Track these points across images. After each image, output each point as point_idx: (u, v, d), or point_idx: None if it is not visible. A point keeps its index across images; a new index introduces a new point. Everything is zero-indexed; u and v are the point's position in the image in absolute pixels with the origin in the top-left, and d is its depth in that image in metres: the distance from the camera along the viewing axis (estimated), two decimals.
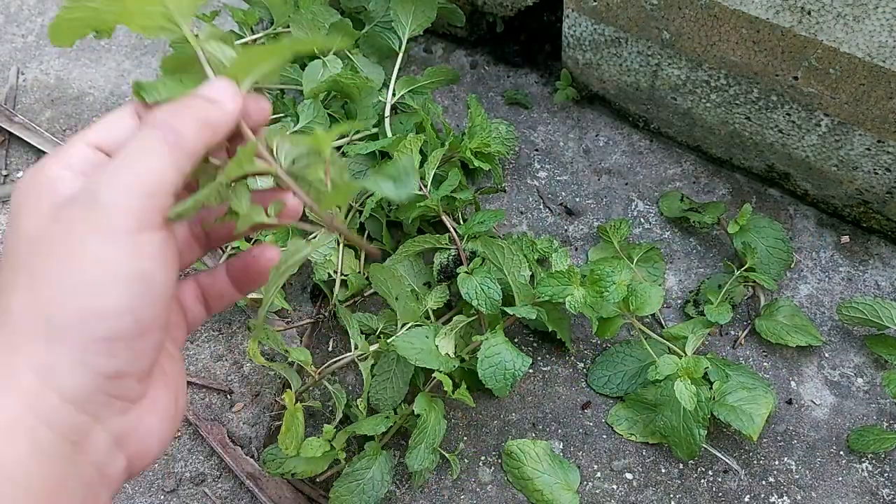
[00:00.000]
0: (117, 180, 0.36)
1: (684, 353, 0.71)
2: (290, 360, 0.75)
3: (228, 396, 0.78)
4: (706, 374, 0.70)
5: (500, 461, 0.73)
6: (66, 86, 0.98)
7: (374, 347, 0.72)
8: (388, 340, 0.71)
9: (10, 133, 0.93)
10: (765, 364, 0.77)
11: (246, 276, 0.44)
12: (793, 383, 0.76)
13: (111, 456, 0.37)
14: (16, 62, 1.00)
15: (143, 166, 0.36)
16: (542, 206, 0.88)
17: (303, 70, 0.82)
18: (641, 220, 0.86)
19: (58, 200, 0.38)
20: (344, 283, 0.79)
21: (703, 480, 0.71)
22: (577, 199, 0.88)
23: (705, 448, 0.72)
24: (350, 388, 0.78)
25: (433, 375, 0.69)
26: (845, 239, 0.84)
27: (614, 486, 0.72)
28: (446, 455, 0.71)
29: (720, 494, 0.71)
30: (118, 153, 0.37)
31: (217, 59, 0.42)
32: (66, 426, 0.35)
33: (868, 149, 0.74)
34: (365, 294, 0.82)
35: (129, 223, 0.36)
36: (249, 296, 0.77)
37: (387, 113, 0.81)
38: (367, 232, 0.82)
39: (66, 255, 0.36)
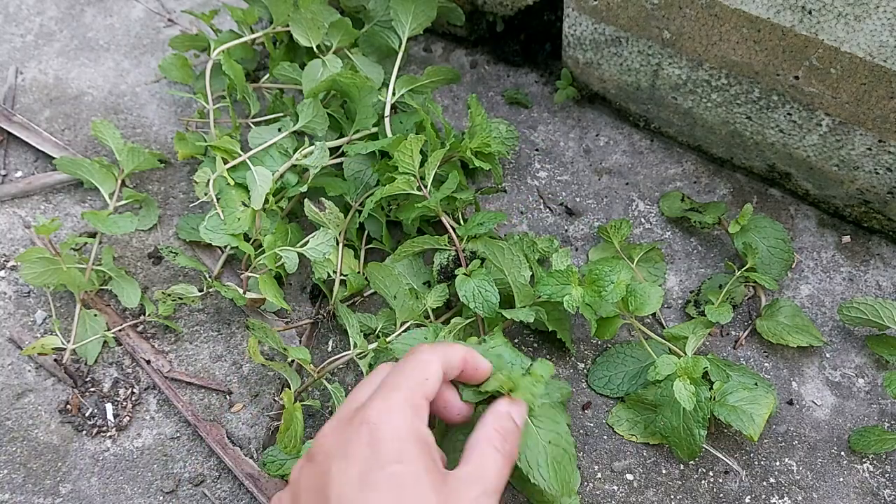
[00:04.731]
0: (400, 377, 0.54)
1: (684, 353, 0.71)
2: (289, 359, 0.75)
3: (227, 397, 0.77)
4: (706, 374, 0.70)
5: None
6: (64, 85, 0.98)
7: (373, 346, 0.72)
8: (387, 340, 0.70)
9: (9, 133, 0.93)
10: (766, 364, 0.77)
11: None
12: (794, 384, 0.76)
13: None
14: (14, 62, 1.00)
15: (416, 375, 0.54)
16: (542, 206, 0.87)
17: (302, 69, 0.81)
18: (642, 220, 0.86)
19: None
20: (343, 283, 0.78)
21: (703, 481, 0.71)
22: (578, 199, 0.88)
23: (706, 449, 0.72)
24: (349, 387, 0.77)
25: None
26: (846, 239, 0.84)
27: (615, 487, 0.71)
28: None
29: (721, 495, 0.70)
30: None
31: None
32: None
33: (869, 149, 0.74)
34: (364, 294, 0.82)
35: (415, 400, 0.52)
36: (249, 295, 0.77)
37: (386, 112, 0.80)
38: (366, 232, 0.82)
39: (372, 421, 0.50)
